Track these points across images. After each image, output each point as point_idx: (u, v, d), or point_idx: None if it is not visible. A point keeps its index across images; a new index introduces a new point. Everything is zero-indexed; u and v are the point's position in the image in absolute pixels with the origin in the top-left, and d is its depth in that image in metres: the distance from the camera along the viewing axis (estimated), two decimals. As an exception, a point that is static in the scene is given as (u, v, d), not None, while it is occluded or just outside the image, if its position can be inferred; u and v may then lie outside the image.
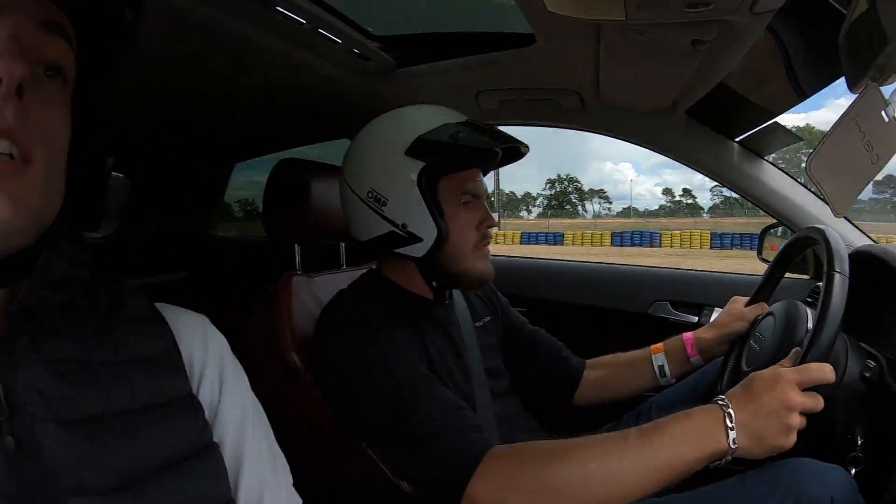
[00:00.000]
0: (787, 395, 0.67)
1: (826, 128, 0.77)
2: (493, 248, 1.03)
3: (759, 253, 1.44)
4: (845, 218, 1.25)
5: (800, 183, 1.33)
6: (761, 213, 1.33)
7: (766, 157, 1.32)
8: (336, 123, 1.58)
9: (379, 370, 0.79)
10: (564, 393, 1.15)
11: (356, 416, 0.82)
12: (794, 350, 0.76)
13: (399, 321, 0.87)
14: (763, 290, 1.06)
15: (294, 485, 0.57)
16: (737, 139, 1.30)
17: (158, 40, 0.88)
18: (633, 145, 1.38)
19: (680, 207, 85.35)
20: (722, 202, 73.59)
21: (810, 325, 0.82)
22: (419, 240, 0.88)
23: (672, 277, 1.64)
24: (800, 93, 1.09)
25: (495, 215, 1.01)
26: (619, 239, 36.38)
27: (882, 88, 0.70)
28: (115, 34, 0.50)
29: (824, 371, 0.69)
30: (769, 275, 1.06)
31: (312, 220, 1.08)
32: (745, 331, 1.01)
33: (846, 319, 0.73)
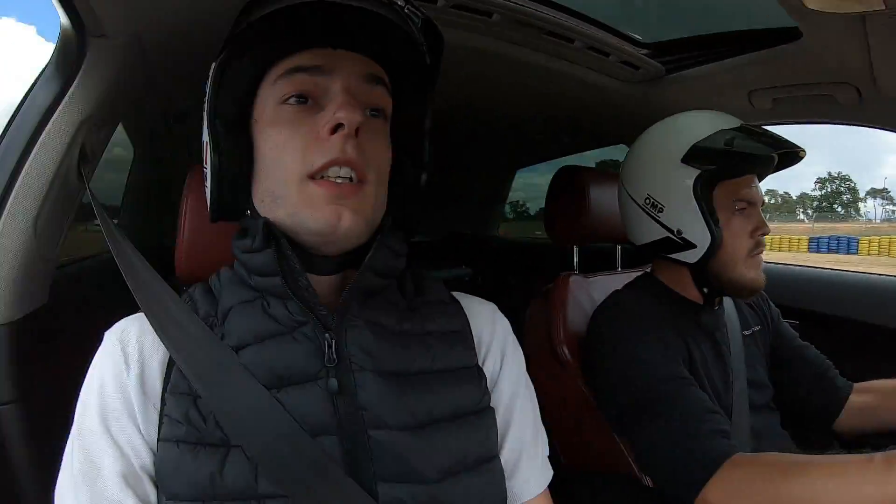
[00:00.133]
0: None
1: None
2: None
3: None
4: None
5: None
6: None
7: None
8: (610, 130, 1.68)
9: (641, 367, 0.85)
10: (825, 416, 1.03)
11: (614, 406, 0.89)
12: None
13: (666, 323, 0.91)
14: None
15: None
16: None
17: (451, 72, 1.17)
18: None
19: None
20: None
21: None
22: (693, 246, 0.91)
23: None
24: None
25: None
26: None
27: None
28: (420, 77, 0.59)
29: None
30: None
31: (590, 224, 1.16)
32: None
33: None
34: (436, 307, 0.60)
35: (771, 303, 1.14)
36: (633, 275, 1.10)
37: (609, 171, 1.21)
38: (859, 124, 1.20)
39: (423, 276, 0.64)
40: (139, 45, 0.78)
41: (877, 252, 29.29)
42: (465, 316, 0.61)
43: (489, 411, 0.57)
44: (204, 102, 0.55)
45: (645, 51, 1.27)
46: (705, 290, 0.96)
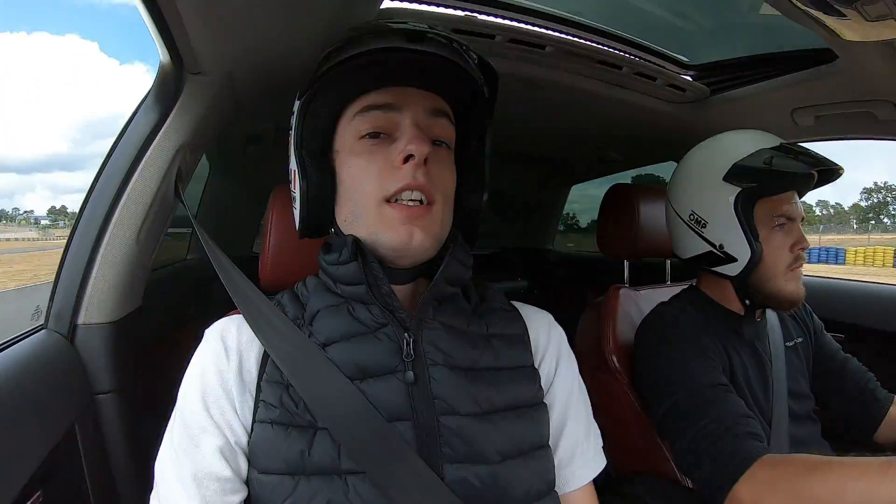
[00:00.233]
0: None
1: None
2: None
3: None
4: None
5: None
6: None
7: None
8: (660, 149, 1.74)
9: (682, 374, 0.90)
10: (866, 427, 1.04)
11: (659, 409, 0.93)
12: None
13: (708, 333, 0.95)
14: None
15: None
16: None
17: (510, 98, 1.20)
18: None
19: None
20: None
21: None
22: (734, 259, 0.95)
23: None
24: None
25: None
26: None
27: None
28: (479, 107, 0.66)
29: None
30: None
31: (640, 239, 1.23)
32: None
33: None
34: (498, 313, 0.67)
35: (815, 315, 1.16)
36: (678, 288, 1.14)
37: (658, 189, 1.25)
38: (897, 139, 1.20)
39: (486, 286, 0.71)
40: (230, 80, 0.88)
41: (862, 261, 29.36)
42: (524, 322, 0.68)
43: (543, 406, 0.63)
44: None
45: (691, 72, 1.31)
46: (747, 301, 1.00)
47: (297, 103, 0.63)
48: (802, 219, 0.98)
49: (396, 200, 0.57)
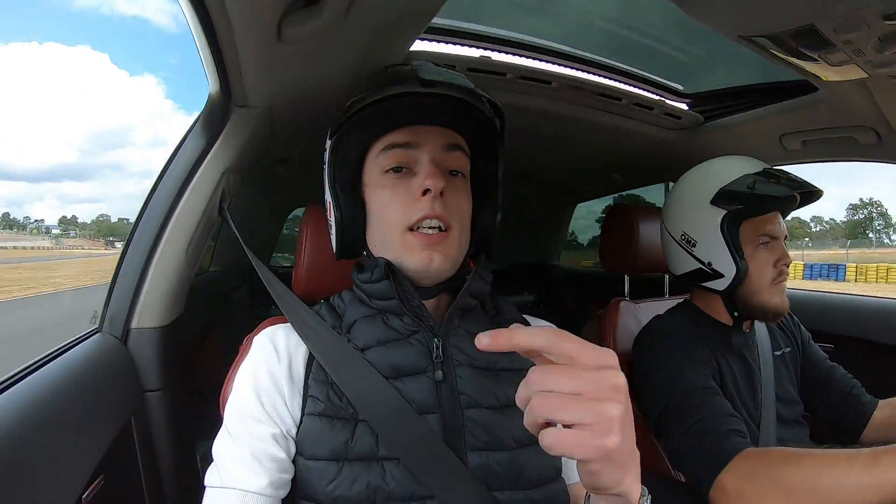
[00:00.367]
0: None
1: None
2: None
3: None
4: None
5: None
6: None
7: None
8: (658, 171, 1.85)
9: (675, 380, 0.97)
10: (853, 430, 1.11)
11: (654, 412, 0.99)
12: None
13: (699, 342, 1.03)
14: None
15: None
16: None
17: (520, 128, 1.29)
18: None
19: None
20: None
21: None
22: (721, 276, 1.03)
23: None
24: None
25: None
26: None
27: None
28: (490, 139, 0.73)
29: None
30: None
31: (639, 255, 1.32)
32: None
33: None
34: (511, 323, 0.75)
35: (802, 326, 1.24)
36: (675, 301, 1.22)
37: (656, 209, 1.34)
38: (881, 161, 1.30)
39: (500, 300, 0.79)
40: (269, 112, 0.99)
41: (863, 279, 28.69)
42: None
43: None
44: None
45: (686, 100, 1.41)
46: (735, 313, 1.08)
47: (328, 142, 0.72)
48: (786, 237, 1.06)
49: (418, 228, 0.65)
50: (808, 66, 0.86)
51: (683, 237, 1.08)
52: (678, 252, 1.10)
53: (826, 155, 1.36)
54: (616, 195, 2.42)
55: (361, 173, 0.72)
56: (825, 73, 0.88)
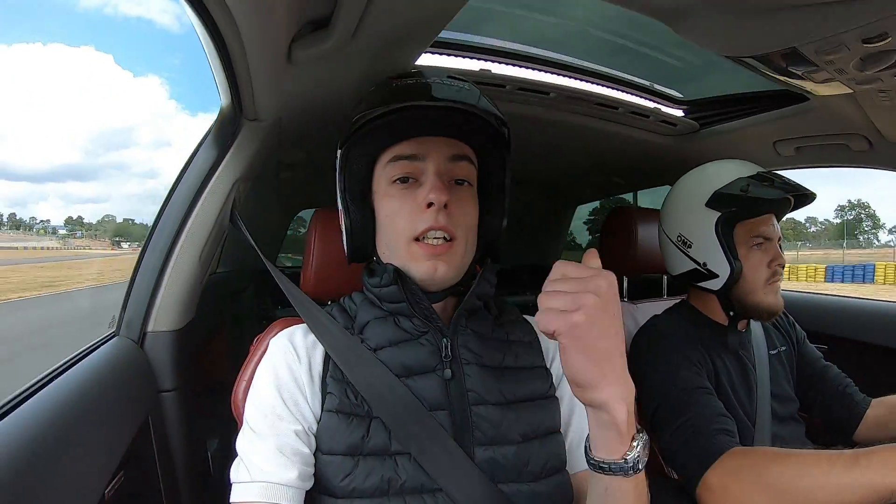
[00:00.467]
0: None
1: None
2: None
3: None
4: None
5: None
6: None
7: None
8: (655, 175, 1.88)
9: (670, 379, 0.99)
10: (847, 428, 1.14)
11: (648, 410, 1.01)
12: None
13: (694, 342, 1.05)
14: None
15: None
16: None
17: (521, 137, 1.31)
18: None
19: None
20: None
21: None
22: (716, 276, 1.06)
23: None
24: None
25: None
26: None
27: None
28: (495, 147, 0.75)
29: None
30: None
31: (638, 257, 1.35)
32: None
33: None
34: (514, 324, 0.78)
35: (797, 326, 1.27)
36: (672, 302, 1.25)
37: (654, 211, 1.37)
38: (872, 167, 1.33)
39: (504, 302, 0.81)
40: (278, 124, 1.03)
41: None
42: (535, 332, 0.79)
43: (554, 399, 0.73)
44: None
45: (684, 107, 1.44)
46: (731, 313, 1.10)
47: (338, 153, 0.74)
48: (780, 239, 1.09)
49: (423, 239, 0.67)
50: (797, 81, 0.90)
51: (680, 238, 1.11)
52: (675, 253, 1.13)
53: (819, 160, 1.39)
54: (601, 200, 2.45)
55: (371, 182, 0.74)
56: (813, 87, 0.91)
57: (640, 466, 0.54)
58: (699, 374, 1.00)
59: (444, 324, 0.71)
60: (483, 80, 1.12)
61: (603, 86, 1.27)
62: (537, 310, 0.53)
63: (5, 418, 0.61)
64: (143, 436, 0.92)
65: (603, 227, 1.45)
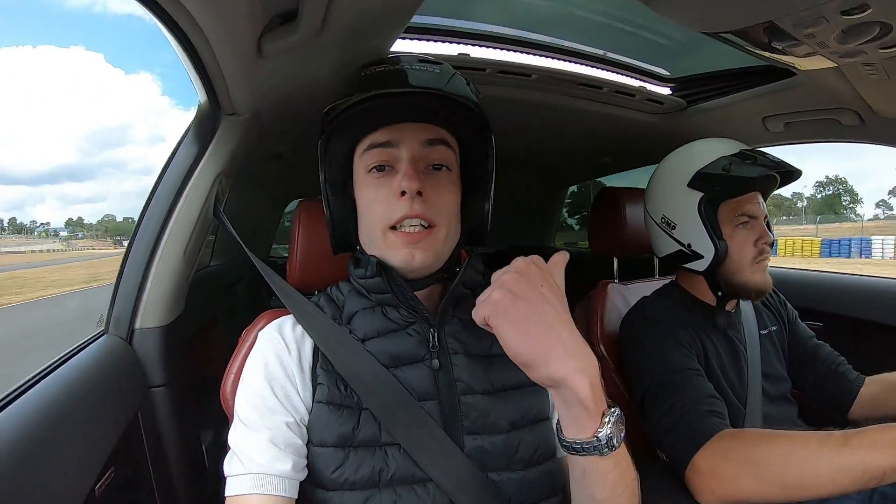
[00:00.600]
0: None
1: None
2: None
3: None
4: None
5: None
6: None
7: None
8: (643, 154, 1.86)
9: (659, 360, 0.99)
10: (840, 406, 1.13)
11: (638, 391, 1.01)
12: None
13: (683, 323, 1.04)
14: None
15: None
16: None
17: (504, 119, 1.22)
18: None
19: None
20: None
21: None
22: (701, 256, 1.05)
23: None
24: None
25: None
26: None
27: None
28: (473, 129, 0.72)
29: None
30: None
31: (627, 238, 1.34)
32: None
33: None
34: None
35: (789, 306, 1.26)
36: (663, 282, 1.24)
37: (643, 191, 1.36)
38: (864, 142, 1.31)
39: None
40: (257, 117, 1.03)
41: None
42: None
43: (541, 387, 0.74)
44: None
45: (671, 84, 1.42)
46: (719, 293, 1.10)
47: (318, 144, 0.73)
48: (766, 217, 1.08)
49: (400, 227, 0.66)
50: (779, 56, 0.88)
51: (664, 220, 1.10)
52: (660, 234, 1.13)
53: (809, 136, 1.37)
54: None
55: (351, 171, 0.73)
56: (797, 61, 0.90)
57: (616, 443, 0.54)
58: (689, 356, 1.00)
59: (431, 313, 0.70)
60: (462, 65, 1.10)
61: (586, 65, 1.25)
62: None
63: None
64: (133, 431, 0.93)
65: (591, 209, 1.43)
